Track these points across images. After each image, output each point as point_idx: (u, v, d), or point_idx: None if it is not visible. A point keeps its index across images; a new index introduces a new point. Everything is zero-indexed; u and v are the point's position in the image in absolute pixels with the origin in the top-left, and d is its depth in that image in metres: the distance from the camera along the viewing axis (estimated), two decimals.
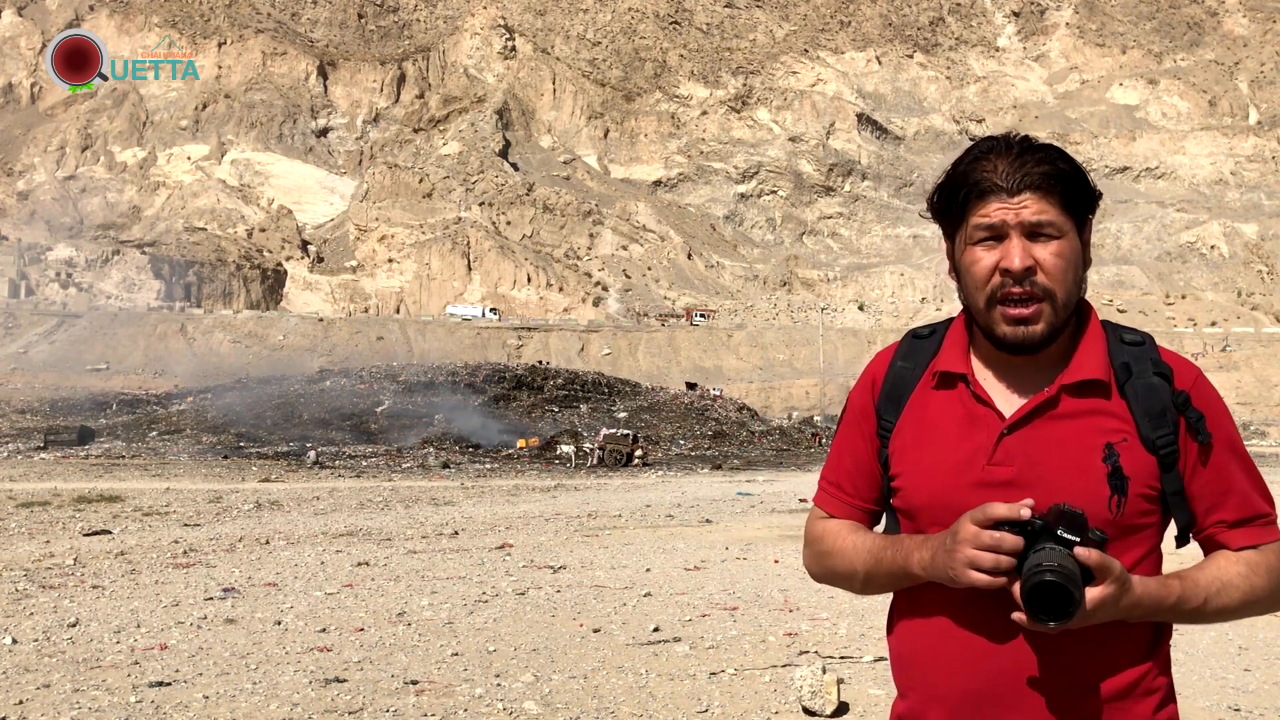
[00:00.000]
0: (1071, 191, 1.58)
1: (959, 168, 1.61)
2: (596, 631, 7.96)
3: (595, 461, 40.36)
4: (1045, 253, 1.56)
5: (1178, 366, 1.63)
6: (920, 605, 1.67)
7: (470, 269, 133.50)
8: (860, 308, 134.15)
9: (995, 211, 1.56)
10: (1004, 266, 1.55)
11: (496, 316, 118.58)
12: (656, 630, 8.00)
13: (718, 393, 72.92)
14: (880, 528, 1.76)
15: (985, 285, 1.58)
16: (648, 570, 11.54)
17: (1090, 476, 1.55)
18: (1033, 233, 1.56)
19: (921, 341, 1.75)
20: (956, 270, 1.65)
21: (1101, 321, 1.69)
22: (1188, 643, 7.78)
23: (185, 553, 12.73)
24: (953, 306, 1.88)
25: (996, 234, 1.57)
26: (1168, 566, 1.59)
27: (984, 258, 1.58)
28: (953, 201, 1.60)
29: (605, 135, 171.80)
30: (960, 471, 1.60)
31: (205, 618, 8.38)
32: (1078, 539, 1.44)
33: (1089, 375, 1.60)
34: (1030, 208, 1.55)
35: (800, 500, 22.74)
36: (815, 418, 77.32)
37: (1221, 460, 1.61)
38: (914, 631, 1.68)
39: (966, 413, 1.64)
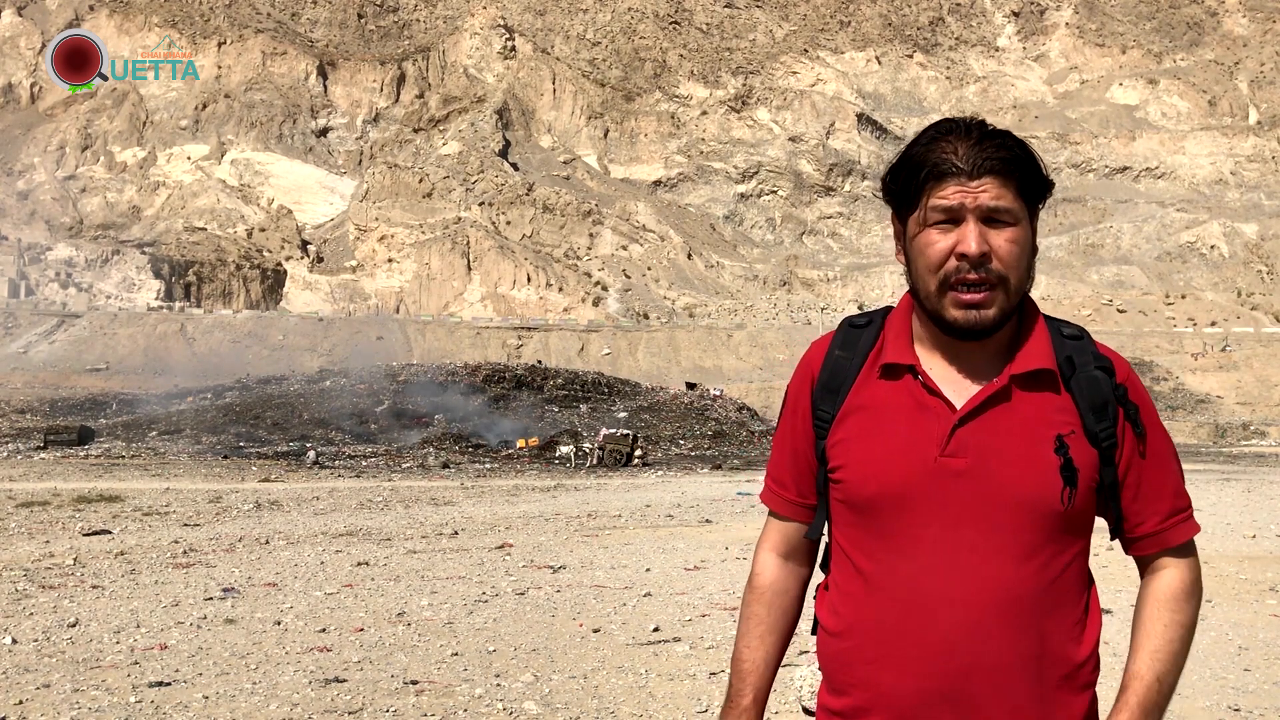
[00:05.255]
0: (1027, 178, 1.57)
1: (915, 149, 1.59)
2: (596, 631, 7.96)
3: (595, 461, 40.24)
4: (1000, 239, 1.54)
5: (1115, 359, 1.64)
6: (863, 587, 1.62)
7: (470, 269, 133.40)
8: (860, 308, 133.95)
9: (953, 194, 1.53)
10: (961, 251, 1.53)
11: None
12: (656, 630, 8.00)
13: (718, 393, 72.69)
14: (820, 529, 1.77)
15: (939, 269, 1.56)
16: (648, 570, 11.53)
17: (1043, 468, 1.55)
18: (988, 218, 1.54)
19: (859, 331, 1.73)
20: (906, 254, 1.62)
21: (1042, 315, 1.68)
22: None
23: (185, 553, 12.72)
24: None
25: (953, 217, 1.55)
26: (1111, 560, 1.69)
27: (939, 241, 1.55)
28: (910, 182, 1.57)
29: (605, 135, 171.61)
30: (913, 462, 1.58)
31: (205, 618, 8.37)
32: None
33: (1038, 365, 1.60)
34: (989, 192, 1.53)
35: None
36: None
37: (1157, 452, 1.62)
38: (857, 620, 1.62)
39: (916, 403, 1.61)
